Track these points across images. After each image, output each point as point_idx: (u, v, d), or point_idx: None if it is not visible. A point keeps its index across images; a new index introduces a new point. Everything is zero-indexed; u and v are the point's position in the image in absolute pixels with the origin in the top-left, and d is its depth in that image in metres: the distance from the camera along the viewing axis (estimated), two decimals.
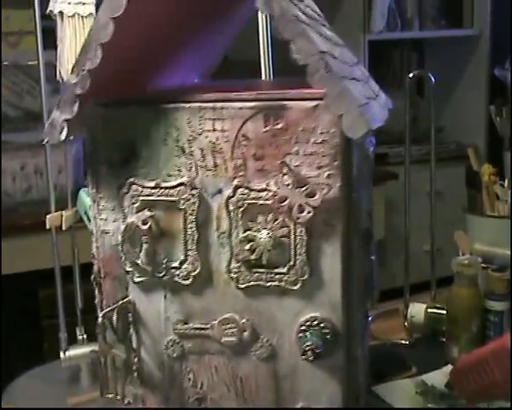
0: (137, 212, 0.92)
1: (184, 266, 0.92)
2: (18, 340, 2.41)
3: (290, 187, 0.84)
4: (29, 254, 2.34)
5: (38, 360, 1.42)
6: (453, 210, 1.99)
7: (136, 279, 0.95)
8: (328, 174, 0.84)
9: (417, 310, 1.51)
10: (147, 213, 0.92)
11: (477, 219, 1.77)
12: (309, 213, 0.84)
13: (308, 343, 0.85)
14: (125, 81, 0.94)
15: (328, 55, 0.80)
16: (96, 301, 0.99)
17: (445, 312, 1.43)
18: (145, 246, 0.91)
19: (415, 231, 1.71)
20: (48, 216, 1.06)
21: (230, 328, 0.91)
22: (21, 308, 2.40)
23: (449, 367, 1.24)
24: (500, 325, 1.37)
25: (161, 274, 0.93)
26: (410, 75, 1.55)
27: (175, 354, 0.95)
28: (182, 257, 0.92)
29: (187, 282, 0.92)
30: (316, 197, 0.83)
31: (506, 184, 1.81)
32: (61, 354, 1.16)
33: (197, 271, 0.92)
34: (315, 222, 0.85)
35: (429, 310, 1.50)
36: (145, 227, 0.91)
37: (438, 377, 1.28)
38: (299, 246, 0.86)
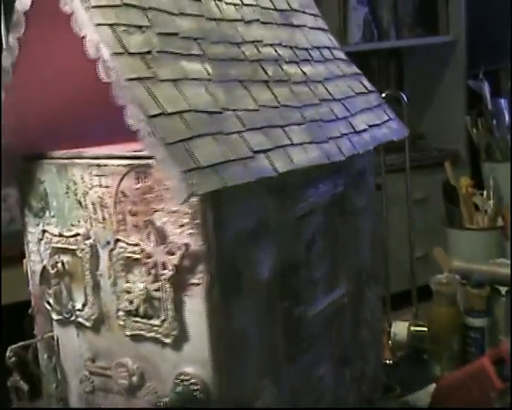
0: (50, 257, 0.99)
1: (85, 309, 0.96)
2: None
3: (154, 244, 0.86)
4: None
5: None
6: (436, 217, 2.00)
7: (54, 317, 1.01)
8: (189, 232, 0.85)
9: (400, 328, 1.50)
10: (55, 258, 0.98)
11: (456, 232, 1.79)
12: (170, 270, 0.85)
13: (164, 399, 0.87)
14: (52, 136, 1.00)
15: (159, 119, 0.79)
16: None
17: (426, 329, 1.44)
18: (54, 288, 0.99)
19: (401, 238, 1.72)
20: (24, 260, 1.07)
21: (123, 371, 0.94)
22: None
23: (432, 387, 1.25)
24: (481, 341, 1.38)
25: (68, 315, 0.98)
26: (383, 95, 1.56)
27: (87, 389, 0.99)
28: (83, 301, 0.97)
29: (89, 324, 0.96)
30: (175, 256, 0.85)
31: (485, 194, 1.83)
32: None
33: (96, 315, 0.95)
34: (179, 279, 0.86)
35: (412, 328, 1.50)
36: (53, 271, 0.98)
37: (421, 398, 1.28)
38: (168, 301, 0.87)
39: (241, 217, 0.87)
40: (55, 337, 1.02)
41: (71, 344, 1.00)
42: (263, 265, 0.90)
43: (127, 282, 0.91)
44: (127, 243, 0.91)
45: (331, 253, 1.05)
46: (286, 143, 0.90)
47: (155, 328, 0.89)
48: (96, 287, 0.95)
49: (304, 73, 1.06)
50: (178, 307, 0.87)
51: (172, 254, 0.85)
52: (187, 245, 0.85)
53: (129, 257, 0.91)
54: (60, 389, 1.02)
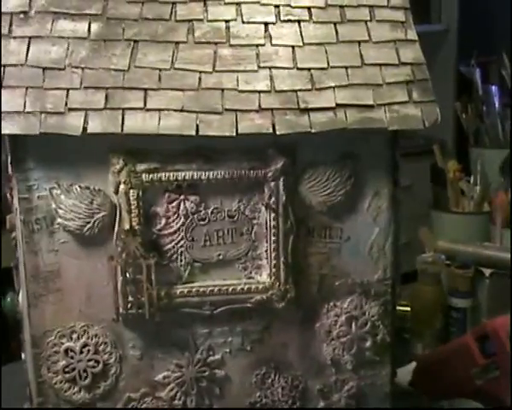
0: None
1: None
2: None
3: None
4: None
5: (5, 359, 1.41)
6: (421, 204, 1.99)
7: None
8: None
9: None
10: None
11: (442, 215, 1.79)
12: None
13: None
14: None
15: None
16: None
17: (409, 309, 1.44)
18: None
19: None
20: (8, 216, 1.05)
21: None
22: None
23: (413, 364, 1.24)
24: (463, 321, 1.39)
25: None
26: None
27: None
28: None
29: None
30: None
31: (472, 180, 1.83)
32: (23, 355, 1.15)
33: None
34: None
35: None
36: None
37: (402, 375, 1.28)
38: None
39: None
40: None
41: None
42: None
43: None
44: None
45: None
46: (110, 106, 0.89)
47: None
48: None
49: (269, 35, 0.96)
50: None
51: None
52: None
53: None
54: None
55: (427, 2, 3.61)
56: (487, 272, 1.42)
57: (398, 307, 1.47)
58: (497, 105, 2.02)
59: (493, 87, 2.05)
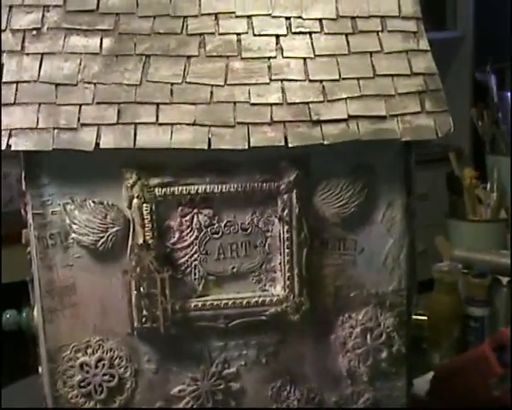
0: None
1: None
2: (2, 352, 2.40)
3: None
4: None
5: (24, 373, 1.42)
6: (438, 212, 1.98)
7: None
8: None
9: None
10: None
11: (459, 223, 1.78)
12: None
13: None
14: None
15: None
16: None
17: (426, 318, 1.43)
18: None
19: None
20: (23, 231, 1.05)
21: None
22: None
23: (430, 375, 1.24)
24: (481, 330, 1.38)
25: None
26: None
27: None
28: None
29: None
30: None
31: (488, 187, 1.82)
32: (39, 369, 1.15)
33: None
34: None
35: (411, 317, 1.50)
36: None
37: (420, 385, 1.27)
38: None
39: None
40: None
41: None
42: None
43: None
44: None
45: None
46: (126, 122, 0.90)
47: None
48: None
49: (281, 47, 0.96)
50: None
51: None
52: None
53: None
54: None
55: (442, 9, 3.61)
56: (504, 280, 1.41)
57: (415, 317, 1.47)
58: None
59: (509, 94, 2.03)
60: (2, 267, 2.36)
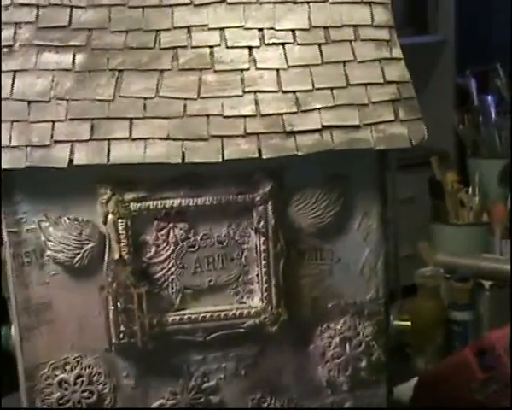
0: None
1: None
2: None
3: None
4: None
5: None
6: (422, 216, 1.99)
7: None
8: None
9: None
10: None
11: (442, 227, 1.79)
12: None
13: None
14: None
15: None
16: None
17: (409, 324, 1.43)
18: None
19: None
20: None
21: None
22: None
23: (415, 380, 1.24)
24: (465, 335, 1.38)
25: None
26: None
27: None
28: None
29: None
30: None
31: (470, 191, 1.83)
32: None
33: None
34: None
35: (395, 322, 1.49)
36: None
37: (403, 391, 1.27)
38: None
39: None
40: None
41: None
42: None
43: None
44: None
45: None
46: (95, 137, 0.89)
47: None
48: None
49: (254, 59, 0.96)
50: None
51: None
52: None
53: None
54: None
55: (424, 13, 3.61)
56: (487, 284, 1.41)
57: (399, 322, 1.47)
58: (493, 115, 2.01)
59: (489, 97, 2.04)
60: None
